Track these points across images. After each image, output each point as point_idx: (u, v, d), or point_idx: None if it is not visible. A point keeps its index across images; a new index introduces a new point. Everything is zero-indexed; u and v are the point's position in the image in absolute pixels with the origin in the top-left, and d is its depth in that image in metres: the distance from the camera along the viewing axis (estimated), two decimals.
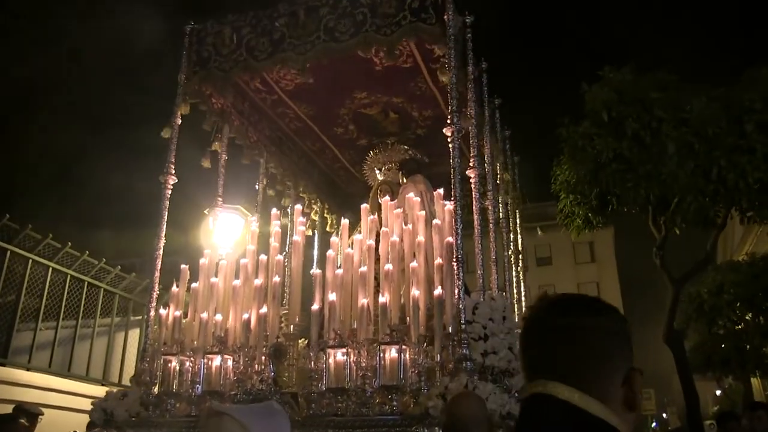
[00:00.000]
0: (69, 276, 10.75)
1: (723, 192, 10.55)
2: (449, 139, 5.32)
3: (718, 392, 26.33)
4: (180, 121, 5.97)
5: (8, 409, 6.99)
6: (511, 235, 7.67)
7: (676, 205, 10.97)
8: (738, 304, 14.82)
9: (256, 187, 7.12)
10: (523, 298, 7.86)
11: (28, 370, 9.70)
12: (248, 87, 6.62)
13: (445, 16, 5.41)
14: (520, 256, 8.04)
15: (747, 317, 15.02)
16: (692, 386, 11.31)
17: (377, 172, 7.44)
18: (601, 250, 41.67)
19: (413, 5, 5.55)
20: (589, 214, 12.44)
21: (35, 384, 9.19)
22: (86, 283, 11.14)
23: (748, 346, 14.60)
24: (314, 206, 8.16)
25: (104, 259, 11.18)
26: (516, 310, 7.39)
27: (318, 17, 5.75)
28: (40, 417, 7.35)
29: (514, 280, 7.59)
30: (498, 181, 7.09)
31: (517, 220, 8.17)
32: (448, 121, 5.34)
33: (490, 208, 6.49)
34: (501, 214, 7.13)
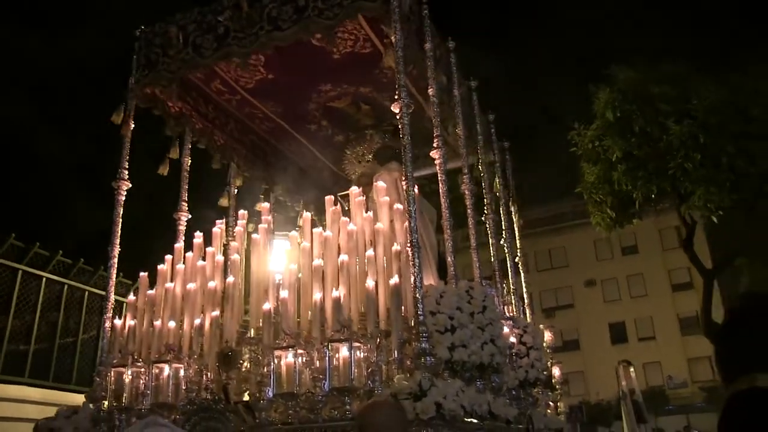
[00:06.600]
0: None
1: (734, 179, 9.68)
2: (398, 116, 4.60)
3: None
4: (133, 126, 5.43)
5: None
6: (504, 223, 6.83)
7: (688, 197, 10.18)
8: None
9: (226, 190, 6.51)
10: (524, 286, 6.99)
11: None
12: (209, 89, 6.00)
13: None
14: (518, 244, 7.18)
15: None
16: None
17: (357, 165, 6.72)
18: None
19: None
20: (612, 214, 11.67)
21: None
22: None
23: None
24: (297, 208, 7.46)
25: None
26: (512, 300, 6.55)
27: (261, 7, 5.11)
28: None
29: (510, 269, 6.73)
30: (480, 167, 6.30)
31: (512, 207, 7.30)
32: (396, 97, 4.61)
33: (467, 192, 5.69)
34: (487, 200, 6.31)
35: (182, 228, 5.85)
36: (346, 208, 5.72)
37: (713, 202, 10.19)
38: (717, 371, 1.67)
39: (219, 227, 5.46)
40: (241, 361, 4.59)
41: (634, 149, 10.69)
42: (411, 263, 4.28)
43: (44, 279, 9.29)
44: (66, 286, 9.72)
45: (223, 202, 6.54)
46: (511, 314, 6.20)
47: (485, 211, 6.30)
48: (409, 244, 4.33)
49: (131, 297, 5.14)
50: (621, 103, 10.85)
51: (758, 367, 1.48)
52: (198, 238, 5.39)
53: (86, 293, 10.03)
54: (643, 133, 10.57)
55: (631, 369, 10.09)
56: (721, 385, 1.60)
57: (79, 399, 8.56)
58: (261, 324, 4.64)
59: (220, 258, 5.13)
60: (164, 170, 5.84)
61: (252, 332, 4.79)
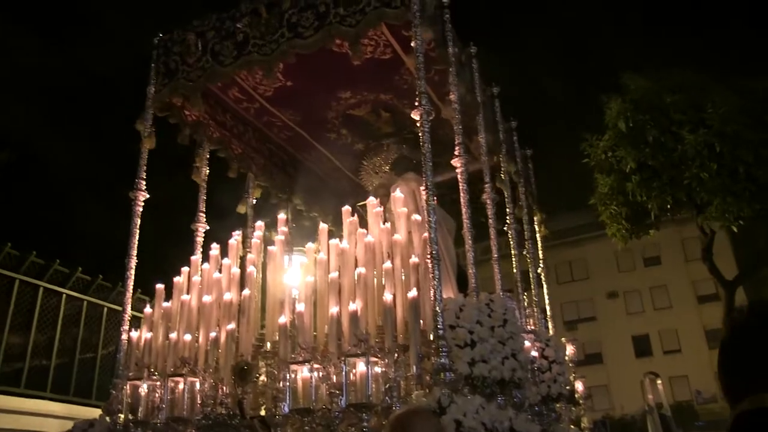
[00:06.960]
0: None
1: (754, 189, 9.44)
2: (418, 123, 4.50)
3: None
4: (149, 136, 5.38)
5: None
6: (527, 234, 6.67)
7: (705, 207, 9.95)
8: None
9: (244, 199, 6.44)
10: (546, 298, 6.82)
11: None
12: (227, 96, 5.95)
13: None
14: (540, 255, 7.02)
15: None
16: None
17: (374, 176, 6.62)
18: (715, 244, 36.76)
19: None
20: (626, 225, 11.47)
21: None
22: None
23: None
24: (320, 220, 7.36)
25: None
26: (535, 312, 6.39)
27: (280, 13, 5.04)
28: None
29: (533, 281, 6.57)
30: (503, 175, 6.16)
31: (534, 217, 7.14)
32: (416, 103, 4.51)
33: (489, 202, 5.56)
34: (508, 210, 6.17)
35: (200, 239, 5.79)
36: (365, 218, 5.62)
37: (731, 213, 9.98)
38: (720, 388, 1.50)
39: (235, 239, 5.38)
40: (257, 376, 4.50)
41: (648, 159, 10.53)
42: (431, 275, 4.16)
43: (64, 295, 9.51)
44: (85, 302, 9.95)
45: (241, 209, 6.48)
46: (533, 327, 6.04)
47: (507, 221, 6.16)
48: (428, 256, 4.21)
49: (147, 309, 5.07)
50: (633, 113, 10.69)
51: (763, 383, 1.34)
52: (214, 249, 5.32)
53: (105, 309, 10.25)
54: (656, 143, 10.39)
55: (659, 381, 9.83)
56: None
57: (99, 413, 8.71)
58: (277, 338, 4.55)
59: (236, 270, 5.04)
60: (199, 178, 5.82)
61: (268, 346, 4.71)
